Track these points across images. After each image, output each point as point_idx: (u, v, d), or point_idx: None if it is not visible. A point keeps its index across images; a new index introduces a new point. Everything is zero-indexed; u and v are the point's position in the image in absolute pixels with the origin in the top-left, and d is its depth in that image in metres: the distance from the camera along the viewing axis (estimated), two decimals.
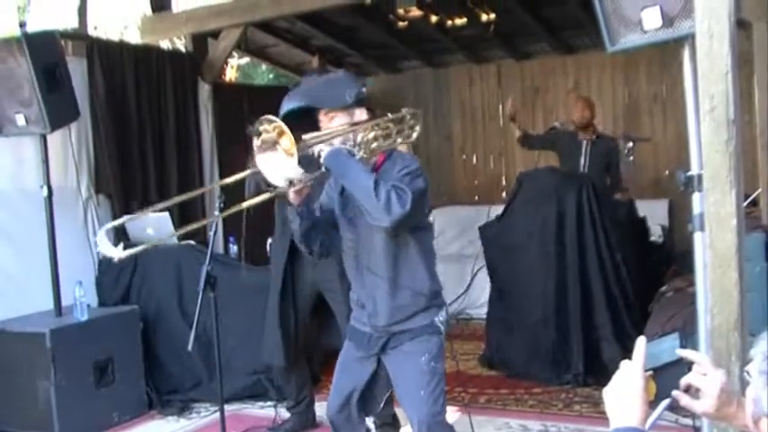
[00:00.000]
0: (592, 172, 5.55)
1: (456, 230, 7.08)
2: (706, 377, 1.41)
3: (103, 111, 5.02)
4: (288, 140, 2.22)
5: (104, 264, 4.81)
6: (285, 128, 2.22)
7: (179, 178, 5.57)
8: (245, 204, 2.52)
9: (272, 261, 3.96)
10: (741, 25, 2.81)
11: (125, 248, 2.42)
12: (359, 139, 2.42)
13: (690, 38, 2.44)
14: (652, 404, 1.37)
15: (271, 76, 10.19)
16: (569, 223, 4.66)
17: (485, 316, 5.24)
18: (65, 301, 4.27)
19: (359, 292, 2.60)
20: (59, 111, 4.21)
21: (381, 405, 2.75)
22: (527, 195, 4.97)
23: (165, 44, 6.59)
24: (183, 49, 6.45)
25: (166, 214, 4.49)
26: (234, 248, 4.94)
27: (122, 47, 5.46)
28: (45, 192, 4.25)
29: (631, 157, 6.07)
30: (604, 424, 1.37)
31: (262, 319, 3.93)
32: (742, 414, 1.38)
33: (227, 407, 3.30)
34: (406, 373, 2.53)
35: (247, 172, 2.51)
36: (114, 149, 5.07)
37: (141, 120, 5.33)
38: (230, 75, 9.82)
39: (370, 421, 3.31)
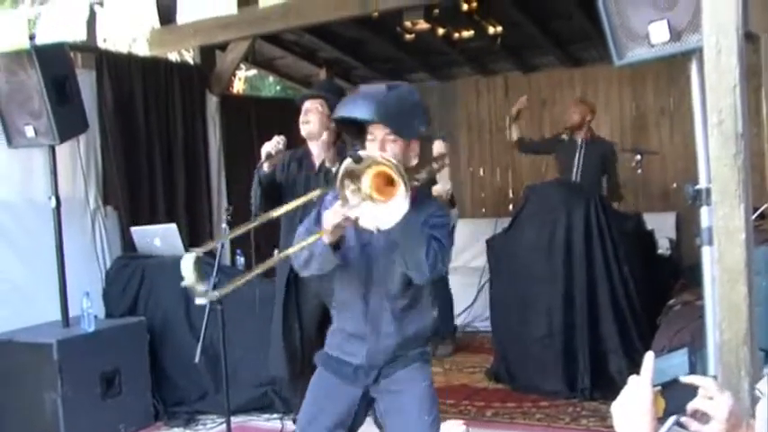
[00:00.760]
0: (586, 172, 5.53)
1: (462, 243, 7.05)
2: (713, 401, 1.40)
3: (112, 122, 5.06)
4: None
5: (111, 275, 4.82)
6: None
7: (186, 190, 5.60)
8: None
9: (276, 273, 3.96)
10: (749, 38, 2.80)
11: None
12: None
13: (697, 51, 2.43)
14: (660, 420, 1.36)
15: (278, 88, 10.23)
16: (577, 236, 4.65)
17: (491, 329, 5.22)
18: (72, 312, 4.28)
19: (357, 323, 2.44)
20: (68, 122, 4.24)
21: None
22: (534, 208, 4.95)
23: (173, 56, 6.62)
24: (191, 62, 6.49)
25: (173, 225, 4.49)
26: (241, 260, 4.95)
27: (131, 59, 5.51)
28: (53, 203, 4.27)
29: (639, 170, 6.06)
30: None
31: (268, 332, 3.93)
32: None
33: (233, 419, 3.30)
34: (406, 399, 2.42)
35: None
36: (122, 161, 5.11)
37: (149, 131, 5.36)
38: (238, 87, 9.87)
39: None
